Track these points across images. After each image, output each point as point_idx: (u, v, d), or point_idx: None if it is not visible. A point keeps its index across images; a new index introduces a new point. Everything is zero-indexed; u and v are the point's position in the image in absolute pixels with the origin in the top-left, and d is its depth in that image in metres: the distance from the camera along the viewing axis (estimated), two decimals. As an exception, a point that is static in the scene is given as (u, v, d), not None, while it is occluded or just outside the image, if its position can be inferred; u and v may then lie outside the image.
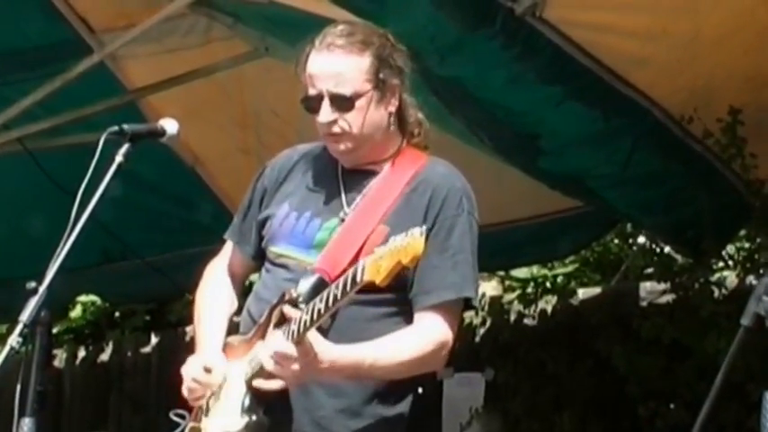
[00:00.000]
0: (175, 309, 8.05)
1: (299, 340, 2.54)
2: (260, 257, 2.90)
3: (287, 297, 2.64)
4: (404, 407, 2.76)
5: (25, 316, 2.48)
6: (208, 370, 2.73)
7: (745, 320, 2.34)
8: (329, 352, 2.58)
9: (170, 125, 2.85)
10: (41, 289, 2.51)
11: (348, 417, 2.69)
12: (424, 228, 2.48)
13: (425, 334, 2.69)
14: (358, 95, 2.72)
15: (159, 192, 6.04)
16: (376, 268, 2.42)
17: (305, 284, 2.64)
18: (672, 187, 4.76)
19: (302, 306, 2.59)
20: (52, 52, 5.24)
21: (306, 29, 4.16)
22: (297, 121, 5.46)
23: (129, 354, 7.64)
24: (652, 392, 5.07)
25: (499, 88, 4.13)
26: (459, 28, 3.85)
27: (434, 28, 3.88)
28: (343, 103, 2.72)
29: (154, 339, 7.55)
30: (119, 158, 2.69)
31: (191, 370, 2.75)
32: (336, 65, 2.72)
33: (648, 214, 5.01)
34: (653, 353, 5.07)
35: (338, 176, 2.82)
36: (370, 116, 2.75)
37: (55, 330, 8.04)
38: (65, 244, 2.56)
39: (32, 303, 2.49)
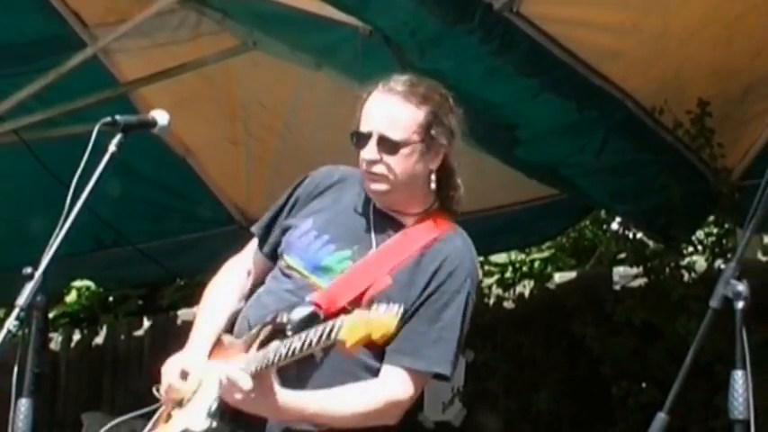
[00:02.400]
0: (167, 293, 8.10)
1: (259, 374, 2.60)
2: (274, 259, 2.93)
3: (278, 321, 2.68)
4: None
5: (22, 300, 2.49)
6: (185, 375, 2.78)
7: (714, 303, 2.35)
8: (277, 394, 2.62)
9: (161, 116, 2.86)
10: (37, 274, 2.52)
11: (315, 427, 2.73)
12: (401, 309, 2.51)
13: (382, 390, 2.71)
14: (405, 143, 2.75)
15: (151, 181, 6.07)
16: (350, 332, 2.46)
17: (297, 314, 2.66)
18: (643, 176, 4.82)
19: (288, 333, 2.62)
20: (46, 46, 5.29)
21: (292, 24, 4.30)
22: (283, 113, 5.57)
23: (123, 337, 7.67)
24: (625, 373, 5.14)
25: (477, 81, 4.19)
26: (438, 23, 3.92)
27: (415, 23, 3.95)
28: (389, 146, 2.75)
29: (146, 323, 7.58)
30: (112, 149, 2.70)
31: (170, 372, 2.80)
32: (392, 109, 2.77)
33: (621, 202, 5.07)
34: (626, 335, 5.15)
35: (368, 213, 2.84)
36: (411, 167, 2.76)
37: (51, 315, 8.06)
38: (59, 231, 2.58)
39: (29, 288, 2.51)
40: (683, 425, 4.81)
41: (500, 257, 6.82)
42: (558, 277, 6.22)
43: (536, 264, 6.92)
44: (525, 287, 6.10)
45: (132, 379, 7.30)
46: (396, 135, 2.75)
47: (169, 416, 2.82)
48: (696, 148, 4.78)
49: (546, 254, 7.04)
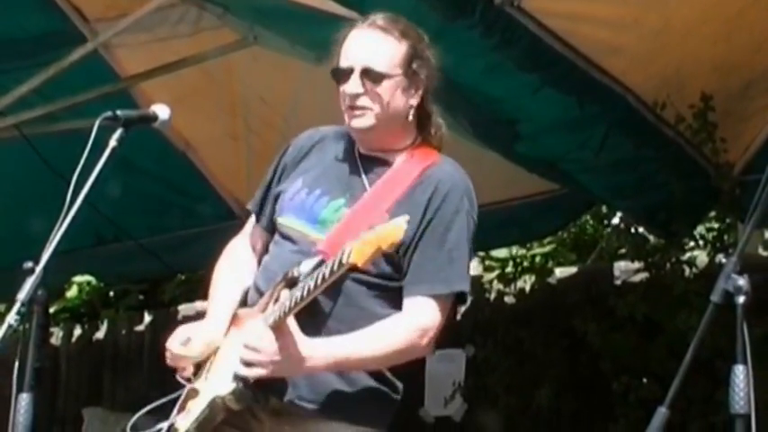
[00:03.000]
0: (168, 288, 8.12)
1: (277, 325, 2.62)
2: (272, 230, 2.95)
3: (290, 275, 2.70)
4: (398, 383, 2.81)
5: (23, 295, 2.50)
6: (186, 342, 2.80)
7: (715, 297, 2.35)
8: (305, 343, 2.64)
9: (162, 111, 2.87)
10: (38, 269, 2.52)
11: (345, 384, 2.74)
12: (406, 217, 2.54)
13: (408, 322, 2.72)
14: (389, 75, 2.77)
15: (151, 176, 6.08)
16: (360, 252, 2.48)
17: (307, 265, 2.69)
18: (644, 171, 4.83)
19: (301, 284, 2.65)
20: (47, 41, 5.29)
21: (293, 19, 4.30)
22: (284, 108, 5.57)
23: (124, 332, 7.66)
24: (625, 368, 5.15)
25: (478, 76, 4.20)
26: (439, 18, 3.91)
27: (416, 18, 3.88)
28: (373, 77, 2.76)
29: (147, 318, 7.57)
30: (112, 143, 2.70)
31: (172, 340, 2.83)
32: (374, 41, 2.79)
33: (621, 197, 5.09)
34: (626, 330, 5.16)
35: (354, 160, 2.86)
36: (394, 100, 2.79)
37: (51, 310, 8.06)
38: (60, 226, 2.59)
39: (29, 283, 2.51)
40: (684, 420, 4.82)
41: (501, 252, 6.82)
42: (559, 272, 6.21)
43: (537, 259, 6.92)
44: (526, 282, 6.09)
45: (133, 374, 7.31)
46: (379, 66, 2.77)
47: (196, 392, 2.83)
48: (698, 143, 4.79)
49: (547, 249, 7.04)
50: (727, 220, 5.10)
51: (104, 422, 6.87)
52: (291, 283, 2.70)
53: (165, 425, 2.82)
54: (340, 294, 2.73)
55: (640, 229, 5.34)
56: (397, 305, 2.76)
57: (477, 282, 6.23)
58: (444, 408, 6.08)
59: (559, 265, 6.72)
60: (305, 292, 2.61)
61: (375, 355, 2.71)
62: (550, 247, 7.06)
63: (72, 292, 8.48)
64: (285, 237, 2.87)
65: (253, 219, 3.04)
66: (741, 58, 4.50)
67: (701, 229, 5.32)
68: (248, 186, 6.00)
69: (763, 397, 2.42)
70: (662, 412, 2.39)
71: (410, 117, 2.84)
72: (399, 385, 2.84)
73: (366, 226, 2.63)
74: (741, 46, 4.43)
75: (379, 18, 2.83)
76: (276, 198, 2.94)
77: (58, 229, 2.60)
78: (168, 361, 2.86)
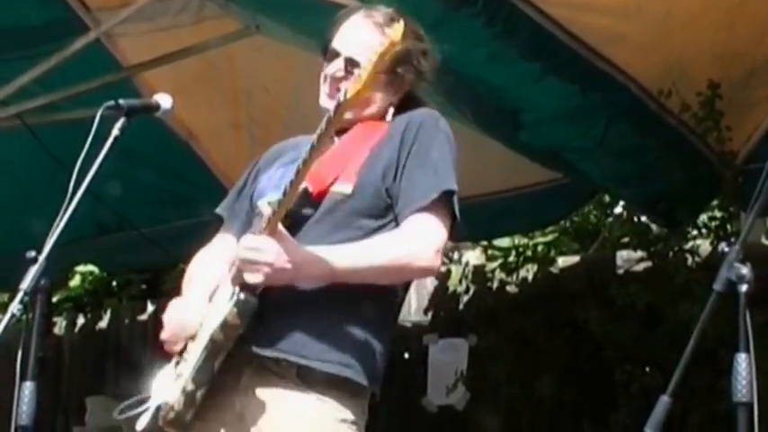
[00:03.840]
0: (171, 278, 8.11)
1: (272, 229, 2.54)
2: (244, 231, 2.86)
3: (257, 210, 2.69)
4: (384, 337, 2.73)
5: (26, 284, 2.47)
6: (181, 321, 2.74)
7: (718, 286, 2.36)
8: (306, 247, 2.56)
9: (164, 100, 2.86)
10: (41, 258, 2.51)
11: (327, 338, 2.65)
12: (402, 22, 2.54)
13: (415, 232, 2.66)
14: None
15: (154, 166, 6.08)
16: (356, 83, 2.47)
17: (275, 195, 2.63)
18: (646, 160, 4.82)
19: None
20: (49, 31, 5.29)
21: (295, 8, 4.29)
22: (287, 98, 5.56)
23: (127, 321, 7.69)
24: (628, 357, 5.16)
25: (481, 65, 4.20)
26: (441, 6, 3.91)
27: (418, 7, 3.89)
28: (353, 69, 2.76)
29: (150, 307, 7.60)
30: (115, 133, 2.70)
31: (168, 314, 2.80)
32: (366, 36, 2.81)
33: (624, 186, 5.09)
34: (629, 319, 5.17)
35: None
36: (371, 94, 2.76)
37: (55, 299, 8.08)
38: (62, 216, 2.58)
39: (32, 272, 2.49)
40: (686, 409, 4.83)
41: (503, 242, 6.80)
42: (562, 261, 6.21)
43: (539, 248, 6.89)
44: (528, 271, 6.08)
45: (136, 363, 7.32)
46: (361, 58, 2.74)
47: (185, 356, 2.74)
48: (703, 131, 4.78)
49: (549, 238, 7.03)
50: (730, 209, 5.09)
51: (107, 411, 6.88)
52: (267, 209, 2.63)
53: (152, 403, 2.71)
54: (317, 236, 2.66)
55: (643, 219, 5.36)
56: None
57: (479, 271, 6.25)
58: (447, 397, 6.09)
59: (562, 254, 6.72)
60: (300, 167, 2.55)
61: (385, 265, 2.64)
62: (553, 236, 7.05)
63: (75, 282, 8.51)
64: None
65: (221, 234, 2.99)
66: (744, 46, 4.50)
67: (703, 218, 5.31)
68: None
69: (765, 385, 2.43)
70: (664, 401, 2.40)
71: (384, 109, 2.84)
72: (385, 339, 2.74)
73: (346, 159, 2.65)
74: (744, 35, 4.42)
75: (381, 14, 2.84)
76: (252, 195, 2.90)
77: (61, 219, 2.59)
78: (166, 334, 2.79)
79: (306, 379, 2.67)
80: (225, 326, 2.62)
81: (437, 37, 4.02)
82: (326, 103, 2.84)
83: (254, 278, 2.59)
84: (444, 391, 6.01)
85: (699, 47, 4.46)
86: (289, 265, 2.58)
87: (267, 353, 2.66)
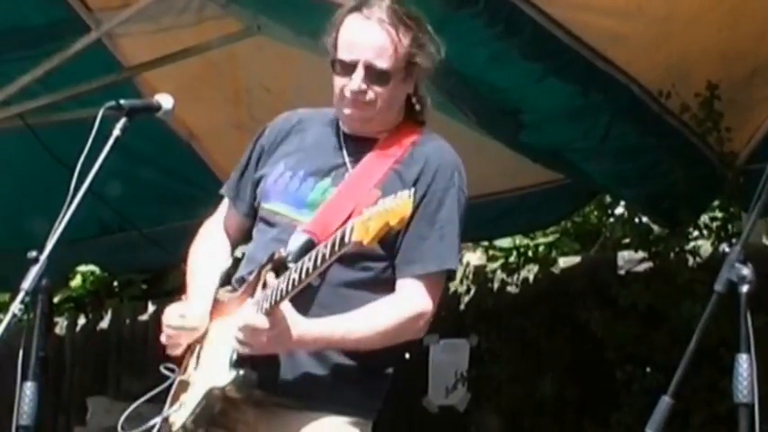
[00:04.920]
0: (172, 278, 8.12)
1: (272, 311, 2.57)
2: (252, 216, 2.91)
3: (276, 256, 2.66)
4: (387, 371, 2.79)
5: (27, 284, 2.50)
6: (182, 316, 2.79)
7: (719, 286, 2.37)
8: (299, 325, 2.60)
9: (165, 100, 2.88)
10: (42, 258, 2.52)
11: (331, 376, 2.71)
12: (413, 190, 2.48)
13: (403, 304, 2.71)
14: (393, 73, 2.76)
15: (155, 166, 6.07)
16: (365, 229, 2.40)
17: (294, 244, 2.65)
18: (648, 160, 4.83)
19: (290, 265, 2.59)
20: (51, 31, 5.28)
21: (296, 8, 4.29)
22: (288, 97, 5.54)
23: (128, 321, 7.69)
24: (629, 357, 5.15)
25: (482, 65, 4.20)
26: (443, 7, 3.89)
27: (419, 7, 3.97)
28: (378, 76, 2.74)
29: (151, 308, 7.59)
30: (116, 133, 2.71)
31: (167, 317, 2.82)
32: (381, 38, 2.75)
33: (625, 186, 5.09)
34: (630, 319, 5.15)
35: (337, 141, 2.83)
36: (396, 94, 2.79)
37: (56, 299, 8.09)
38: (64, 216, 2.59)
39: (33, 272, 2.52)
40: (688, 409, 4.82)
41: (504, 242, 6.82)
42: (563, 262, 6.21)
43: (540, 248, 6.92)
44: (530, 272, 6.09)
45: (137, 363, 7.32)
46: (384, 64, 2.75)
47: (187, 384, 2.80)
48: (703, 132, 4.77)
49: (550, 238, 7.04)
50: (731, 210, 5.09)
51: (109, 411, 6.89)
52: (279, 263, 2.65)
53: (158, 420, 2.77)
54: (324, 279, 2.69)
55: (644, 219, 5.36)
56: (383, 290, 2.74)
57: (480, 271, 6.24)
58: (447, 397, 6.09)
59: (563, 254, 6.72)
60: (303, 274, 2.55)
61: (370, 336, 2.68)
62: (554, 236, 7.06)
63: (76, 282, 8.51)
64: (269, 223, 2.83)
65: (226, 203, 3.01)
66: (746, 45, 4.49)
67: (704, 218, 5.30)
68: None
69: (766, 386, 2.42)
70: (665, 401, 2.40)
71: (402, 103, 2.85)
72: (387, 370, 2.80)
73: (353, 203, 2.61)
74: (746, 33, 4.42)
75: (382, 10, 2.78)
76: (257, 183, 2.90)
77: (62, 219, 2.60)
78: (165, 338, 2.83)
79: (313, 413, 2.72)
80: (223, 391, 2.68)
81: (438, 36, 4.05)
82: (349, 112, 2.80)
83: (244, 350, 2.63)
84: (444, 392, 6.00)
85: (701, 46, 4.46)
86: (280, 348, 2.64)
87: (273, 399, 2.72)
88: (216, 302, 2.84)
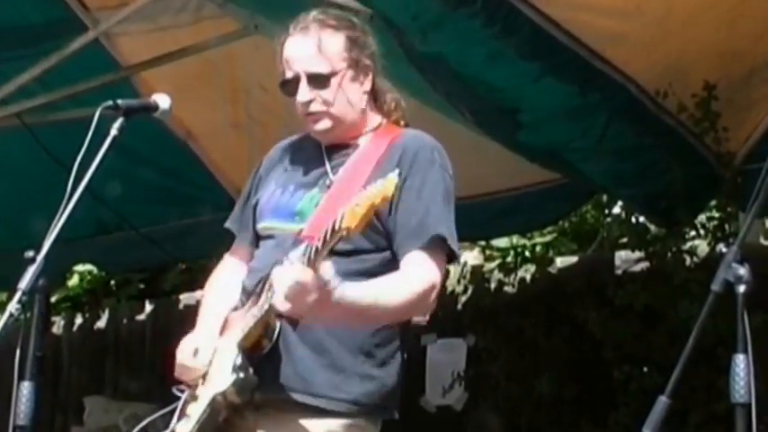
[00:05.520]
0: (169, 277, 8.14)
1: (313, 266, 2.50)
2: (256, 243, 2.94)
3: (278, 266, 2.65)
4: (391, 369, 2.79)
5: (24, 284, 2.50)
6: (195, 353, 2.79)
7: (716, 286, 2.37)
8: (339, 283, 2.56)
9: (163, 100, 2.88)
10: (39, 258, 2.52)
11: (332, 372, 2.71)
12: (397, 171, 2.52)
13: (413, 277, 2.71)
14: (333, 73, 2.81)
15: (153, 165, 6.08)
16: (352, 214, 2.42)
17: (295, 253, 2.63)
18: (645, 160, 4.82)
19: None
20: (48, 30, 5.28)
21: (295, 7, 4.28)
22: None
23: (125, 321, 7.69)
24: (626, 357, 5.15)
25: (480, 65, 4.21)
26: (441, 6, 3.92)
27: (417, 6, 3.96)
28: (319, 80, 2.80)
29: (148, 307, 7.59)
30: (113, 132, 2.71)
31: (181, 354, 2.82)
32: (311, 45, 2.82)
33: (623, 186, 5.08)
34: (627, 319, 5.15)
35: (319, 155, 2.88)
36: (345, 94, 2.82)
37: (53, 299, 8.09)
38: (61, 215, 2.59)
39: (31, 272, 2.52)
40: (685, 408, 4.82)
41: (502, 242, 6.83)
42: (560, 262, 6.20)
43: (538, 248, 6.93)
44: (527, 272, 6.08)
45: (134, 363, 7.33)
46: (322, 68, 2.81)
47: (195, 398, 2.82)
48: (700, 131, 4.77)
49: (548, 238, 7.05)
50: (729, 210, 5.09)
51: (106, 411, 6.89)
52: None
53: None
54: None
55: (641, 219, 5.35)
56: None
57: (478, 271, 6.24)
58: (445, 397, 6.09)
59: (560, 254, 6.73)
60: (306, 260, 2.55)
61: (393, 307, 2.68)
62: (551, 236, 7.07)
63: (73, 281, 8.52)
64: (266, 237, 2.87)
65: (236, 240, 3.03)
66: (744, 45, 4.49)
67: (701, 218, 5.30)
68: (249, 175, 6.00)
69: (763, 386, 2.42)
70: (663, 401, 2.40)
71: (366, 105, 2.88)
72: (392, 371, 2.80)
73: (345, 204, 2.59)
74: (744, 33, 4.42)
75: (309, 20, 2.86)
76: (254, 208, 2.95)
77: (59, 218, 2.60)
78: (177, 375, 2.84)
79: (315, 414, 2.72)
80: (224, 396, 2.69)
81: (436, 37, 4.07)
82: (311, 127, 2.86)
83: (288, 308, 2.55)
84: (441, 391, 6.01)
85: (699, 45, 4.45)
86: (321, 311, 2.55)
87: (274, 395, 2.71)
88: (225, 322, 2.85)
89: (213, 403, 2.71)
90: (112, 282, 8.58)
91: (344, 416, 2.73)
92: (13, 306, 2.49)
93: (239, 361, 2.67)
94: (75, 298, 8.54)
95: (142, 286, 8.44)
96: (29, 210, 5.06)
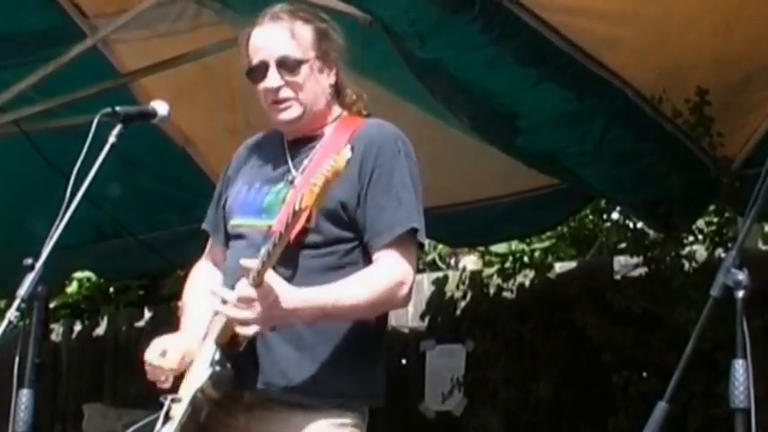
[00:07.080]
0: (168, 284, 8.13)
1: (259, 282, 2.60)
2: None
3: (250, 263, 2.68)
4: (372, 359, 2.82)
5: (23, 291, 2.52)
6: (163, 353, 2.80)
7: (714, 291, 2.37)
8: (290, 292, 2.64)
9: (161, 107, 2.90)
10: (38, 265, 2.54)
11: (314, 366, 2.74)
12: (349, 146, 2.57)
13: (385, 272, 2.75)
14: (305, 60, 2.85)
15: (151, 172, 6.09)
16: (310, 194, 2.48)
17: (264, 249, 2.67)
18: (643, 165, 4.82)
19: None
20: (46, 37, 5.29)
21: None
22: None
23: (124, 328, 7.70)
24: (625, 362, 5.15)
25: (478, 70, 4.21)
26: (438, 12, 3.93)
27: (415, 12, 3.96)
28: (290, 65, 2.83)
29: (147, 314, 7.62)
30: (112, 139, 2.73)
31: (148, 353, 2.83)
32: (284, 31, 2.86)
33: (621, 191, 5.08)
34: (626, 324, 5.15)
35: (283, 147, 2.92)
36: (313, 83, 2.86)
37: (52, 305, 8.09)
38: (60, 222, 2.61)
39: (29, 279, 2.54)
40: (684, 413, 4.83)
41: (500, 247, 6.83)
42: (559, 267, 6.21)
43: (536, 254, 6.94)
44: (525, 277, 6.07)
45: (133, 369, 7.31)
46: (294, 53, 2.84)
47: (178, 401, 2.82)
48: (696, 136, 4.77)
49: (546, 244, 7.06)
50: (727, 214, 5.10)
51: (105, 417, 6.89)
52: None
53: None
54: (296, 272, 2.73)
55: (639, 224, 5.35)
56: (352, 271, 2.77)
57: (476, 276, 6.25)
58: (444, 403, 6.09)
59: (559, 259, 6.74)
60: (270, 249, 2.61)
61: (359, 304, 2.72)
62: (550, 242, 7.08)
63: (72, 288, 8.51)
64: (236, 236, 2.90)
65: (210, 240, 3.08)
66: (741, 50, 4.49)
67: (700, 223, 5.29)
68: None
69: (762, 391, 2.42)
70: (662, 406, 2.40)
71: (330, 97, 2.91)
72: (373, 361, 2.82)
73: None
74: (741, 38, 4.42)
75: (279, 10, 2.89)
76: (224, 208, 2.98)
77: (58, 225, 2.61)
78: (148, 374, 2.85)
79: (300, 410, 2.75)
80: (203, 391, 2.72)
81: (434, 43, 4.07)
82: (277, 116, 2.88)
83: (249, 331, 2.69)
84: (440, 397, 6.01)
85: (696, 50, 4.46)
86: (278, 319, 2.66)
87: (260, 394, 2.74)
88: (209, 325, 2.85)
89: (193, 401, 2.73)
90: (111, 288, 8.58)
91: (328, 410, 2.75)
92: (11, 313, 2.50)
93: (217, 356, 2.71)
94: (74, 305, 8.54)
95: (141, 293, 8.45)
96: (27, 216, 5.07)
